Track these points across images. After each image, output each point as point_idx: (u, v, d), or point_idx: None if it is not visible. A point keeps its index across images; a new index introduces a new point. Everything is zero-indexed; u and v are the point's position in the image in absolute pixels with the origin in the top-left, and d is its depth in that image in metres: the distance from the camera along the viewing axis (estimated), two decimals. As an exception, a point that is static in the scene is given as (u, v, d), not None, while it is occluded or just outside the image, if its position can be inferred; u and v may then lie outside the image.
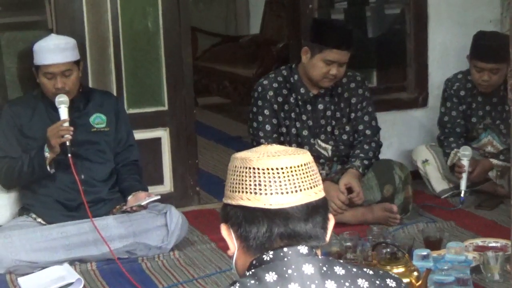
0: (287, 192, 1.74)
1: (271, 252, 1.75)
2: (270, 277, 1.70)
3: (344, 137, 4.65)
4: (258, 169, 1.75)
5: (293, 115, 4.57)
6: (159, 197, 4.28)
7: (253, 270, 1.74)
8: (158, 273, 4.03)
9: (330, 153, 4.64)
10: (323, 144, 4.63)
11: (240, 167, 1.77)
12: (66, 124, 4.09)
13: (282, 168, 1.75)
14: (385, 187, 4.60)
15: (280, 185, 1.74)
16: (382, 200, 4.60)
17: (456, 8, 5.48)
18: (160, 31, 4.87)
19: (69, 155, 4.05)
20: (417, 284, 3.13)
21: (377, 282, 1.77)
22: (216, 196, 5.19)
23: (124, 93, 4.83)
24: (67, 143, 4.06)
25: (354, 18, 5.88)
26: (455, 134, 5.06)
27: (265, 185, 1.74)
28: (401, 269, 3.20)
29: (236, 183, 1.77)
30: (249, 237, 1.76)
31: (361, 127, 4.65)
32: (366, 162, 4.57)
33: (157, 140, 4.96)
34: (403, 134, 5.48)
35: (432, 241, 4.02)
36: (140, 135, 4.73)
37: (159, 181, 4.97)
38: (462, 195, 4.78)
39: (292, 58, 5.23)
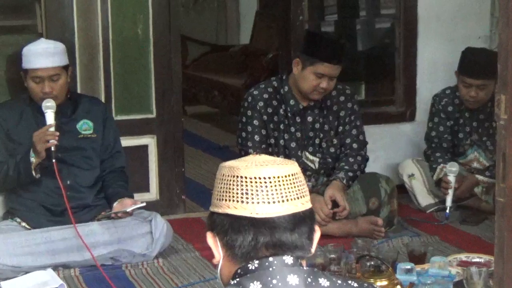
0: (273, 202, 1.74)
1: (256, 261, 1.74)
2: (255, 286, 1.70)
3: (332, 150, 4.66)
4: (246, 178, 1.75)
5: (281, 126, 4.57)
6: (144, 204, 4.26)
7: (237, 279, 1.73)
8: (141, 280, 4.02)
9: (317, 165, 4.65)
10: (311, 157, 4.63)
11: (228, 176, 1.77)
12: (52, 129, 4.07)
13: (269, 178, 1.75)
14: (370, 200, 4.60)
15: (267, 195, 1.74)
16: (367, 213, 4.60)
17: (445, 24, 5.50)
18: (150, 38, 4.86)
19: (54, 160, 4.04)
20: (401, 297, 3.14)
21: (362, 294, 1.77)
22: (202, 205, 5.18)
23: (113, 99, 4.82)
24: (52, 148, 4.04)
25: (344, 31, 5.89)
26: (442, 149, 5.07)
27: (252, 194, 1.74)
28: (384, 282, 3.21)
29: (223, 192, 1.77)
30: (235, 245, 1.75)
31: (348, 140, 4.66)
32: (350, 174, 4.57)
33: (144, 148, 4.96)
34: (390, 147, 5.49)
35: (416, 255, 4.02)
36: (127, 142, 4.72)
37: (145, 188, 4.96)
38: (447, 210, 4.78)
39: (282, 69, 5.24)
